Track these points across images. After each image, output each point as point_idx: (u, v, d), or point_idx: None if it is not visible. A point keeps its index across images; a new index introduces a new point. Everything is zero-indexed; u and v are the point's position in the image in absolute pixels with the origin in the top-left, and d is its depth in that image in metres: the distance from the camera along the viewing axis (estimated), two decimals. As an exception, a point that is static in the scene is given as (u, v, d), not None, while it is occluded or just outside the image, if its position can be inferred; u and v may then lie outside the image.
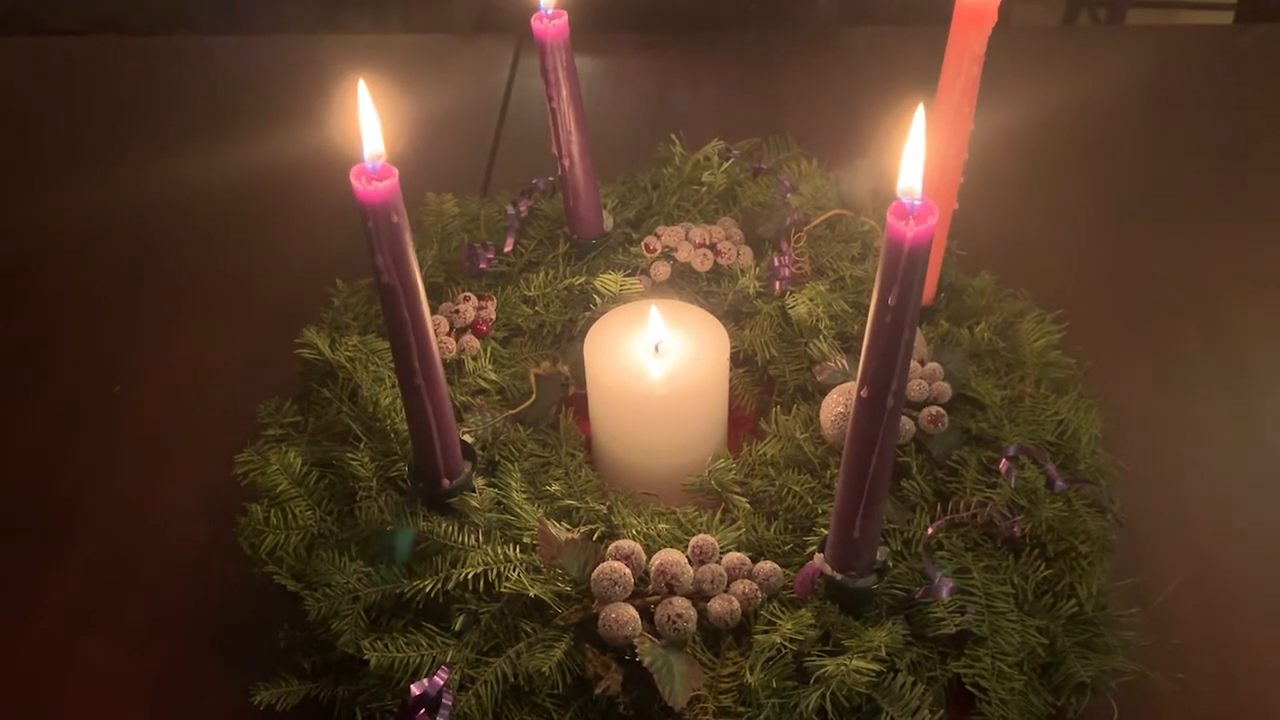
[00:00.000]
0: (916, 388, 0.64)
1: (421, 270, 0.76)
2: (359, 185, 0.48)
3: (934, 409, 0.63)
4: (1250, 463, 0.77)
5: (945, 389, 0.65)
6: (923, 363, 0.66)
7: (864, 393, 0.49)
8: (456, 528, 0.59)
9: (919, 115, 0.43)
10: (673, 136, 0.82)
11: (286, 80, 1.19)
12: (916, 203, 0.43)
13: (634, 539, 0.58)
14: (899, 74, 1.12)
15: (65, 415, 0.84)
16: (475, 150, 1.08)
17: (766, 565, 0.57)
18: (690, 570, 0.55)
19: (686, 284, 0.75)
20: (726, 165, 0.81)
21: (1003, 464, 0.61)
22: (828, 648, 0.54)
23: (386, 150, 0.49)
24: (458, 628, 0.56)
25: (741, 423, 0.72)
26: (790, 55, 1.18)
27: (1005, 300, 0.73)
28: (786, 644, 0.54)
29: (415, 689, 0.53)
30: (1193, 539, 0.72)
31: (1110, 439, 0.67)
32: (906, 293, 0.45)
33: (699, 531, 0.59)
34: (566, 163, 0.72)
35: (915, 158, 0.43)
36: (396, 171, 0.49)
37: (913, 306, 0.45)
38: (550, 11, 0.66)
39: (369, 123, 0.48)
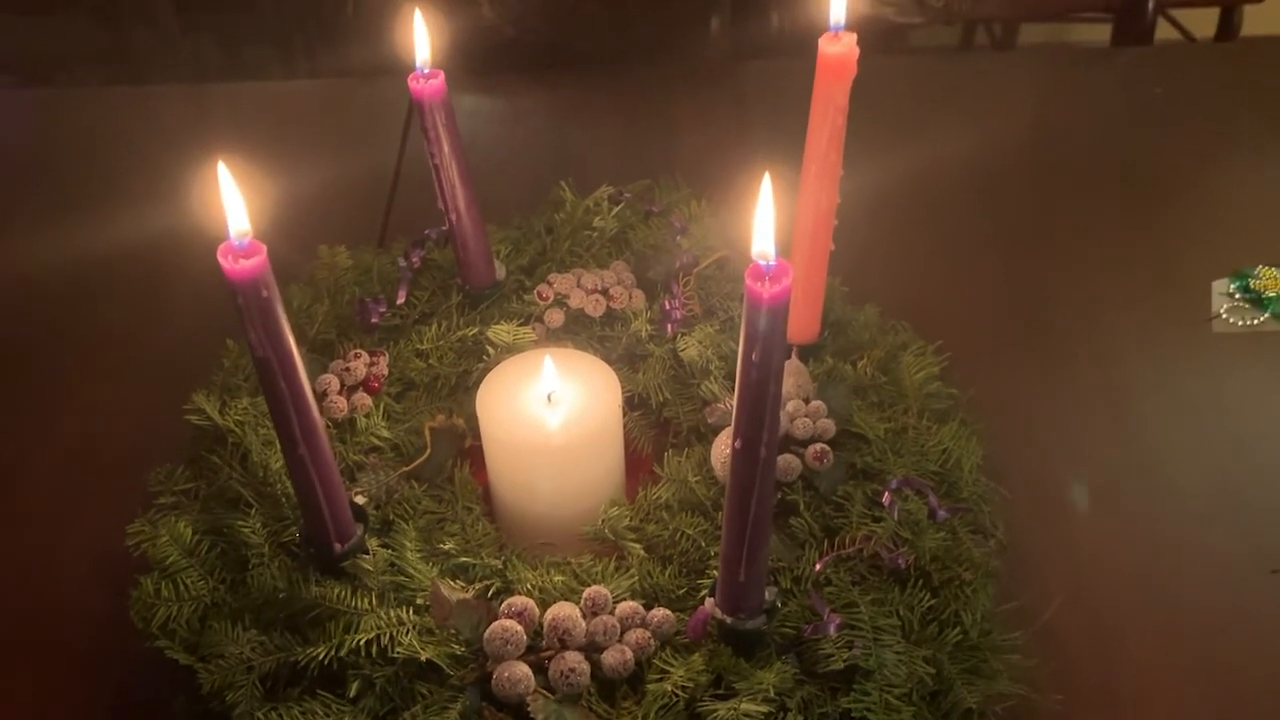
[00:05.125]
0: (802, 426, 0.66)
1: (314, 327, 0.76)
2: (226, 263, 0.48)
3: (819, 446, 0.65)
4: (1131, 480, 0.79)
5: (829, 425, 0.66)
6: (808, 400, 0.68)
7: (738, 444, 0.50)
8: (350, 592, 0.59)
9: (766, 183, 0.44)
10: (561, 184, 0.82)
11: (178, 133, 1.17)
12: (772, 264, 0.44)
13: (529, 593, 0.58)
14: (791, 106, 1.14)
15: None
16: (372, 196, 1.07)
17: (659, 612, 0.58)
18: (583, 623, 0.56)
19: (581, 329, 0.75)
20: (617, 210, 0.82)
21: (886, 497, 0.63)
22: (720, 691, 0.55)
23: (253, 227, 0.49)
24: (353, 694, 0.56)
25: (640, 465, 0.73)
26: (684, 90, 1.20)
27: (888, 333, 0.75)
28: (679, 691, 0.54)
29: (311, 759, 0.53)
30: (1076, 558, 0.74)
31: (997, 464, 0.69)
32: (769, 349, 0.46)
33: (594, 581, 0.60)
34: (453, 216, 0.72)
35: (765, 222, 0.44)
36: (265, 248, 0.49)
37: (776, 361, 0.47)
38: (427, 71, 0.67)
39: (233, 202, 0.48)
